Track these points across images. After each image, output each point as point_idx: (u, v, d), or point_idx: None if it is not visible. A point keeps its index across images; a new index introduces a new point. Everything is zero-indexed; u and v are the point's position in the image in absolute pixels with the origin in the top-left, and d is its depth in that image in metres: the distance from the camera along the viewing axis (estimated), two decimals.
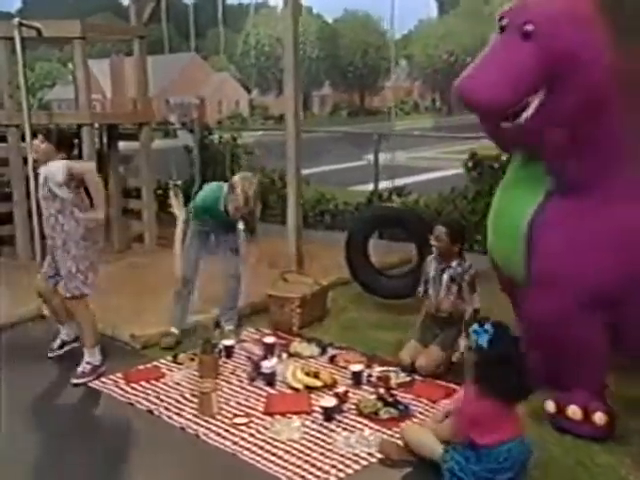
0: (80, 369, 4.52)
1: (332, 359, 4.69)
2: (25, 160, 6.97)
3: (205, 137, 9.14)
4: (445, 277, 4.52)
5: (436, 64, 53.63)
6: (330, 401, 3.85)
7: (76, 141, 5.24)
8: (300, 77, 6.10)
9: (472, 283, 4.43)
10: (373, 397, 4.05)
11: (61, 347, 4.93)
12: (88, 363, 4.53)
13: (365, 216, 5.92)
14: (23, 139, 6.92)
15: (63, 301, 4.71)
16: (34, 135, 4.54)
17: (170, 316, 5.11)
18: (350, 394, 4.08)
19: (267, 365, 4.32)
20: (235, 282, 5.18)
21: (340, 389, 4.09)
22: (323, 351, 4.83)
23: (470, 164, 6.96)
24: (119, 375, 4.50)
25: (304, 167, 8.21)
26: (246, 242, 5.09)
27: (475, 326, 3.20)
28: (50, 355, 4.90)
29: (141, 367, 4.64)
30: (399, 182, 7.86)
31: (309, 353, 4.80)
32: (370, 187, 9.03)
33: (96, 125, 7.42)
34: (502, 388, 3.06)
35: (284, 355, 4.69)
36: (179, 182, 7.90)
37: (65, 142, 4.47)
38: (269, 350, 4.71)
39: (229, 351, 4.78)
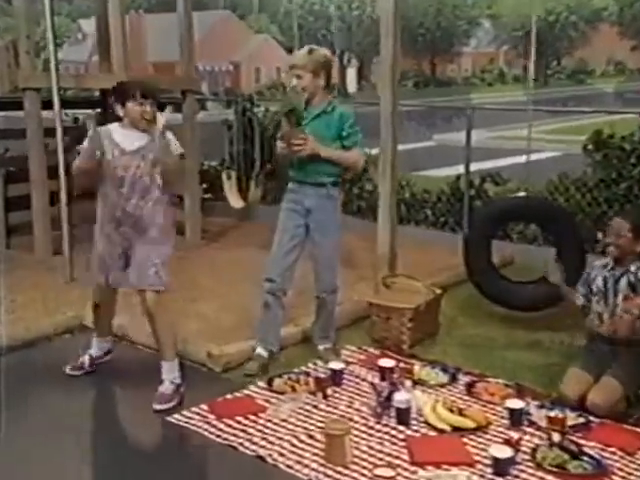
0: (163, 390, 4.12)
1: (469, 390, 4.23)
2: (47, 131, 6.51)
3: (248, 110, 8.62)
4: (622, 286, 4.05)
5: (530, 25, 50.95)
6: (503, 450, 3.38)
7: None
8: (398, 38, 5.57)
9: None
10: (545, 443, 3.58)
11: (92, 364, 4.52)
12: (171, 382, 4.15)
13: (490, 210, 5.44)
14: (44, 106, 6.46)
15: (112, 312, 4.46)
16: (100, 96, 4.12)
17: (256, 333, 4.64)
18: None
19: (401, 398, 3.85)
20: (326, 276, 4.56)
21: (509, 433, 3.63)
22: (453, 378, 4.37)
23: (591, 145, 6.48)
24: (204, 407, 4.03)
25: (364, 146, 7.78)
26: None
27: None
28: (72, 373, 4.47)
29: (229, 397, 4.17)
30: (481, 166, 7.42)
31: (437, 381, 4.34)
32: (445, 172, 8.62)
33: None
34: None
35: (407, 383, 4.23)
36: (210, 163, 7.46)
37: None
38: (387, 376, 4.25)
39: (338, 377, 4.32)
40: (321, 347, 4.72)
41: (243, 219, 8.08)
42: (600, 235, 6.31)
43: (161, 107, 4.21)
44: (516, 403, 3.84)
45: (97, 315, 4.49)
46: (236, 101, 8.59)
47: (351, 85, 48.27)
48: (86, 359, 4.52)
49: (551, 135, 15.83)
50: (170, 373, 4.16)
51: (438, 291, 5.09)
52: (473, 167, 7.42)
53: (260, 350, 4.56)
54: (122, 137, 4.05)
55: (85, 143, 4.14)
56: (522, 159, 11.33)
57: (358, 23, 46.35)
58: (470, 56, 57.46)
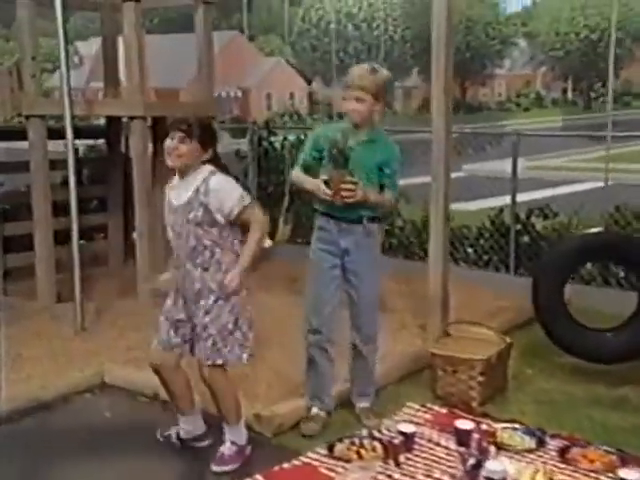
0: (224, 450, 3.85)
1: (563, 456, 3.88)
2: (53, 164, 6.22)
3: (264, 139, 8.37)
4: None
5: (570, 44, 47.44)
6: None
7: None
8: (450, 56, 5.34)
9: None
10: None
11: (180, 439, 4.09)
12: (233, 443, 3.86)
13: (565, 248, 5.14)
14: (51, 136, 6.18)
15: (189, 381, 4.01)
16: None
17: (307, 392, 4.33)
18: None
19: (495, 468, 3.50)
20: (365, 323, 4.24)
21: None
22: (540, 442, 4.03)
23: None
24: (260, 478, 3.67)
25: None
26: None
27: None
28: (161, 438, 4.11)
29: (286, 465, 3.81)
30: (522, 198, 7.16)
31: (523, 446, 3.99)
32: (479, 205, 8.41)
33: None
34: None
35: (491, 449, 3.89)
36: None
37: (210, 135, 3.75)
38: (464, 440, 3.92)
39: (409, 441, 3.97)
40: (359, 406, 4.38)
41: (260, 259, 7.75)
42: None
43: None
44: (631, 473, 3.49)
45: (163, 383, 4.00)
46: (252, 129, 8.35)
47: None
48: (174, 432, 4.08)
49: (593, 164, 15.41)
50: (232, 434, 3.88)
51: (507, 340, 4.77)
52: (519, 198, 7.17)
53: (316, 410, 4.24)
54: (175, 189, 3.77)
55: None
56: (566, 190, 11.17)
57: (378, 45, 44.64)
58: (504, 79, 54.82)
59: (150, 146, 6.92)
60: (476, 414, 4.39)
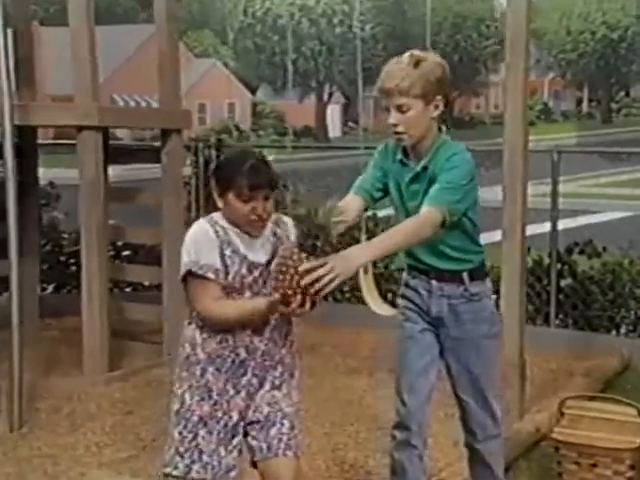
0: None
1: None
2: None
3: (210, 161, 7.37)
4: None
5: (585, 45, 43.89)
6: None
7: None
8: (528, 59, 4.88)
9: None
10: None
11: None
12: None
13: None
14: None
15: None
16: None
17: None
18: None
19: None
20: (475, 419, 3.37)
21: None
22: None
23: None
24: None
25: None
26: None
27: None
28: None
29: None
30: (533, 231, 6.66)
31: None
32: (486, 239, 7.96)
33: None
34: None
35: None
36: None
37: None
38: None
39: None
40: None
41: None
42: None
43: None
44: None
45: None
46: (195, 148, 7.37)
47: (334, 127, 44.48)
48: None
49: (611, 189, 14.96)
50: None
51: None
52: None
53: None
54: (241, 241, 2.93)
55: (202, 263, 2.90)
56: (596, 219, 10.67)
57: (342, 44, 40.77)
58: (501, 87, 55.29)
59: None
60: None
